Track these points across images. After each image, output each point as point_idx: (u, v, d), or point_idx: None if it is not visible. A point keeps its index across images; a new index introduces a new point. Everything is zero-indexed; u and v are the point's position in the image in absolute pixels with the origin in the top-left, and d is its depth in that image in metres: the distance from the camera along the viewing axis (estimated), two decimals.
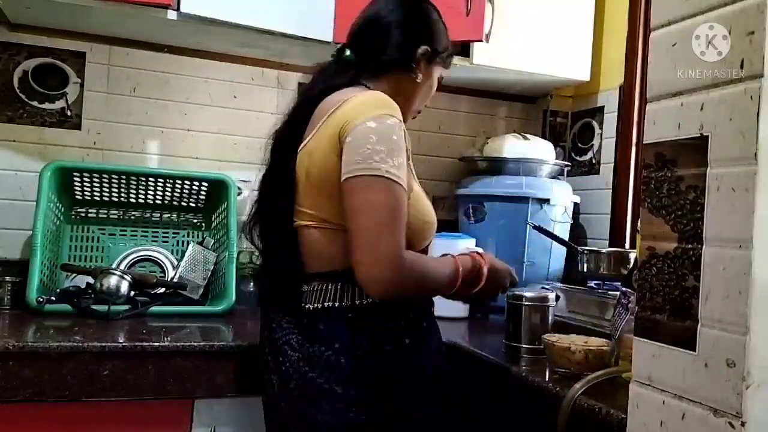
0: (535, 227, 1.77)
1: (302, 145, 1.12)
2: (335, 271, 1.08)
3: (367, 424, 1.03)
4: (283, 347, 1.11)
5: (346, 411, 1.03)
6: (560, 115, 2.22)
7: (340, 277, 1.08)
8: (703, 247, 0.70)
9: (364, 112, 1.04)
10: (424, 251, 1.17)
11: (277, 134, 1.19)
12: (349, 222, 1.01)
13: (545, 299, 1.37)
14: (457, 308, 1.78)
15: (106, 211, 1.80)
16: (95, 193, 1.75)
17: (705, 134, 0.70)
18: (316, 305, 1.09)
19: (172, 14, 1.57)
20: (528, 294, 1.38)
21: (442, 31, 1.24)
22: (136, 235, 1.82)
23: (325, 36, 1.70)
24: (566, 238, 1.88)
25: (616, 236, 1.95)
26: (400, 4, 1.20)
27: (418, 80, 1.20)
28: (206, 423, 1.30)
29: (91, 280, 1.56)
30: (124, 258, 1.77)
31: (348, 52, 1.18)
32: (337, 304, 1.07)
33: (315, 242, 1.11)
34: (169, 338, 1.30)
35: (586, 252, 1.70)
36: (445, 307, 1.76)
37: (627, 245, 1.90)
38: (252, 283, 1.82)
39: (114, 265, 1.71)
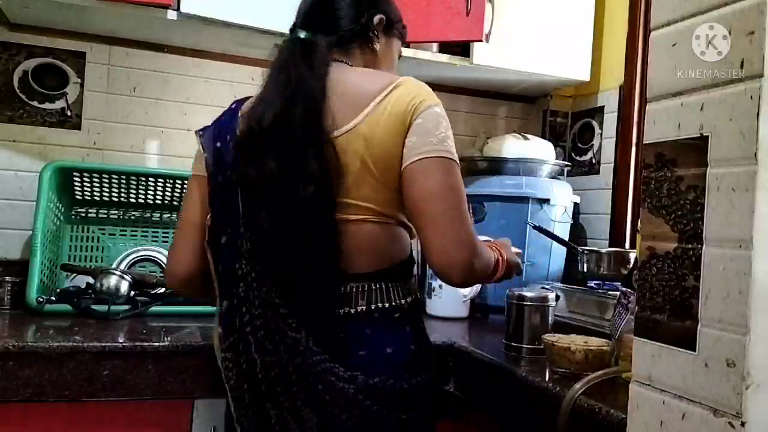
0: (535, 227, 1.77)
1: (344, 129, 1.00)
2: (381, 270, 1.03)
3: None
4: (325, 376, 0.97)
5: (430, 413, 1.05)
6: (560, 115, 2.22)
7: (383, 277, 1.03)
8: (703, 247, 0.70)
9: (428, 95, 1.03)
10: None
11: (278, 119, 1.02)
12: (426, 205, 0.98)
13: (545, 299, 1.37)
14: (457, 308, 1.79)
15: (106, 211, 1.80)
16: (95, 193, 1.75)
17: (705, 134, 0.70)
18: (358, 308, 1.01)
19: (172, 14, 1.57)
20: (528, 294, 1.38)
21: (390, 1, 1.20)
22: (136, 235, 1.82)
23: None
24: (566, 238, 1.88)
25: (616, 236, 1.95)
26: None
27: (376, 48, 1.16)
28: (206, 423, 1.30)
29: (91, 280, 1.56)
30: (124, 258, 1.77)
31: (303, 33, 1.11)
32: (381, 305, 1.02)
33: (370, 238, 1.02)
34: (169, 338, 1.30)
35: (586, 252, 1.70)
36: (445, 307, 1.77)
37: (627, 245, 1.90)
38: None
39: (114, 265, 1.71)
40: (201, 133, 1.13)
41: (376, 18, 1.15)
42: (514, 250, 1.22)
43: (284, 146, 1.00)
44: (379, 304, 1.02)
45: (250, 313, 0.99)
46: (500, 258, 1.13)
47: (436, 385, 1.07)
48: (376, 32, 1.15)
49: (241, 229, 1.01)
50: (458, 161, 1.02)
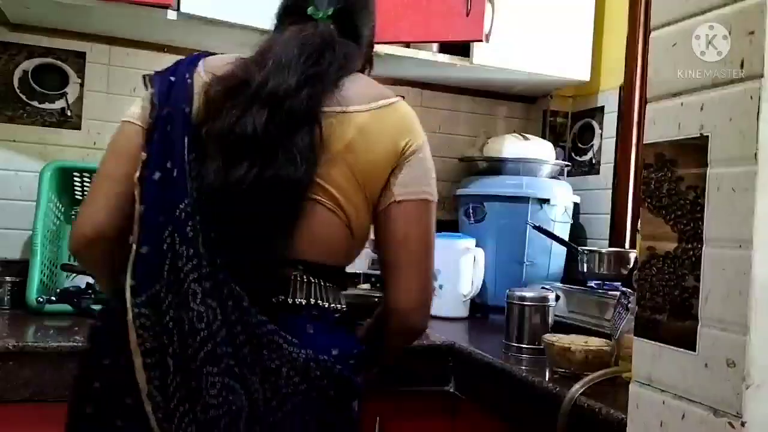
0: (535, 227, 1.77)
1: (336, 108, 0.96)
2: (325, 265, 0.97)
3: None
4: (273, 337, 0.88)
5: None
6: (560, 115, 2.22)
7: (326, 274, 0.97)
8: (703, 247, 0.70)
9: (419, 130, 1.03)
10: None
11: (286, 84, 0.93)
12: (408, 244, 0.99)
13: (545, 299, 1.37)
14: (457, 308, 1.79)
15: None
16: None
17: (705, 134, 0.70)
18: (303, 300, 0.94)
19: (172, 14, 1.57)
20: (528, 294, 1.38)
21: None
22: None
23: None
24: (566, 238, 1.88)
25: (616, 236, 1.95)
26: None
27: (372, 70, 1.15)
28: None
29: (91, 280, 1.56)
30: None
31: (331, 26, 1.02)
32: (325, 304, 0.97)
33: (317, 223, 0.95)
34: None
35: (586, 252, 1.70)
36: (445, 307, 1.77)
37: (627, 245, 1.90)
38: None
39: None
40: (153, 74, 1.02)
41: (369, 31, 1.12)
42: None
43: (280, 113, 0.91)
44: (319, 302, 0.96)
45: (190, 260, 0.86)
46: None
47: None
48: (373, 46, 1.14)
49: (187, 167, 0.90)
50: (435, 199, 1.03)
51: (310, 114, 0.93)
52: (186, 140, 0.91)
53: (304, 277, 0.95)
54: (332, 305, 0.98)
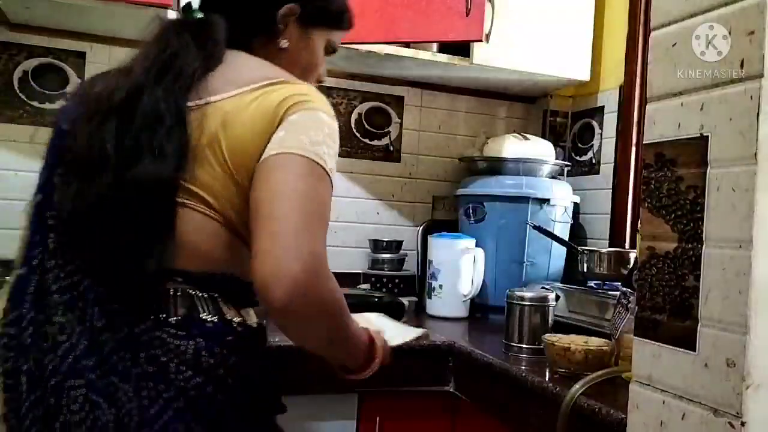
0: (535, 227, 1.77)
1: (202, 101, 0.86)
2: (206, 273, 0.85)
3: None
4: (152, 335, 0.80)
5: None
6: (560, 115, 2.22)
7: (210, 284, 0.85)
8: (703, 247, 0.70)
9: (316, 100, 0.88)
10: None
11: (141, 81, 0.87)
12: (263, 205, 0.80)
13: (545, 299, 1.37)
14: (457, 308, 1.79)
15: None
16: None
17: (705, 134, 0.70)
18: (179, 316, 0.82)
19: (172, 14, 1.57)
20: (528, 294, 1.38)
21: None
22: None
23: None
24: (566, 238, 1.88)
25: (616, 236, 1.95)
26: None
27: (283, 45, 0.99)
28: None
29: None
30: None
31: (200, 14, 0.97)
32: (209, 318, 0.83)
33: (191, 231, 0.84)
34: None
35: (586, 252, 1.70)
36: (445, 307, 1.77)
37: (627, 245, 1.90)
38: None
39: None
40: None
41: (284, 9, 0.98)
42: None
43: (132, 119, 0.83)
44: (207, 316, 0.83)
45: (51, 272, 0.84)
46: (375, 359, 0.98)
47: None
48: (282, 25, 0.99)
49: (56, 179, 0.87)
50: (330, 174, 0.85)
51: (169, 111, 0.83)
52: (54, 155, 0.89)
53: (186, 290, 0.83)
54: (222, 320, 0.83)
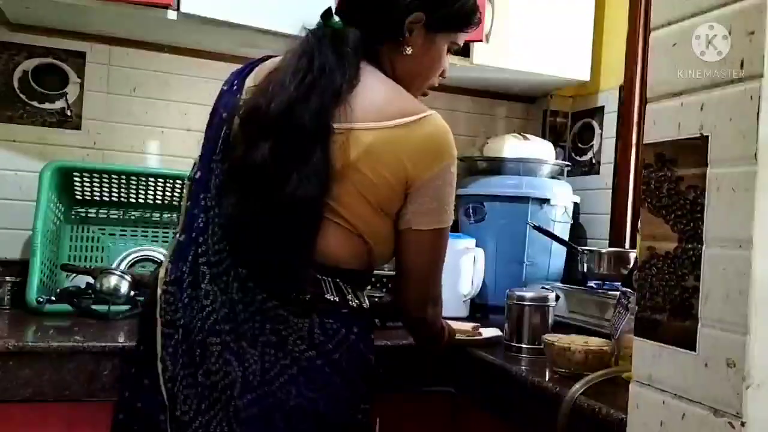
0: (535, 227, 1.77)
1: (346, 126, 0.97)
2: (338, 268, 1.01)
3: (362, 426, 1.02)
4: (278, 312, 0.95)
5: (355, 408, 1.00)
6: (560, 115, 2.22)
7: (340, 275, 1.01)
8: (703, 247, 0.70)
9: (446, 150, 1.03)
10: None
11: (283, 105, 0.96)
12: (407, 265, 1.08)
13: (545, 299, 1.37)
14: (457, 308, 1.79)
15: (106, 211, 1.80)
16: (95, 193, 1.75)
17: (705, 134, 0.70)
18: (310, 296, 0.98)
19: (172, 14, 1.57)
20: (528, 294, 1.38)
21: None
22: (136, 235, 1.82)
23: None
24: (566, 238, 1.88)
25: (616, 236, 1.95)
26: None
27: (408, 52, 1.06)
28: None
29: (91, 280, 1.56)
30: (124, 258, 1.76)
31: (337, 19, 1.05)
32: (333, 298, 0.99)
33: (329, 236, 1.00)
34: None
35: (586, 252, 1.70)
36: (445, 307, 1.76)
37: (627, 245, 1.90)
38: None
39: (114, 265, 1.71)
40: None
41: (412, 17, 1.05)
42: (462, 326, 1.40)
43: (287, 136, 0.95)
44: (333, 297, 1.00)
45: (208, 247, 0.98)
46: (447, 335, 1.27)
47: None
48: (409, 33, 1.06)
49: (215, 167, 1.01)
50: (451, 221, 1.08)
51: (317, 134, 0.95)
52: (218, 143, 1.03)
53: (316, 276, 0.99)
54: (343, 300, 1.01)
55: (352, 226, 1.00)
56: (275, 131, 0.95)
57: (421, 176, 1.00)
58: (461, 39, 1.14)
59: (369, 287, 1.20)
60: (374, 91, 1.01)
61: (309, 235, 0.98)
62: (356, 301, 1.04)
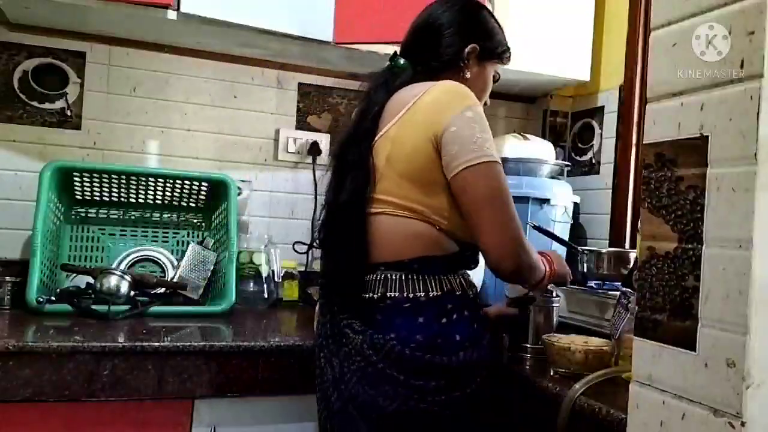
0: (535, 227, 1.76)
1: (378, 136, 1.14)
2: (401, 261, 1.10)
3: (427, 412, 1.05)
4: (345, 330, 1.12)
5: (408, 398, 1.05)
6: (560, 115, 2.22)
7: (404, 268, 1.10)
8: (703, 247, 0.70)
9: (456, 101, 1.10)
10: None
11: (341, 143, 1.22)
12: (477, 210, 1.07)
13: (550, 300, 1.37)
14: None
15: (106, 211, 1.80)
16: (95, 193, 1.75)
17: (705, 134, 0.70)
18: (375, 294, 1.11)
19: (172, 14, 1.57)
20: (532, 294, 1.38)
21: (494, 28, 1.29)
22: (136, 235, 1.82)
23: (325, 36, 1.70)
24: (566, 238, 1.88)
25: (616, 236, 1.95)
26: (449, 8, 1.25)
27: (467, 76, 1.24)
28: (206, 423, 1.30)
29: (91, 280, 1.56)
30: (124, 258, 1.77)
31: (402, 61, 1.23)
32: (396, 294, 1.09)
33: (385, 230, 1.12)
34: (169, 338, 1.30)
35: (586, 252, 1.70)
36: None
37: (627, 245, 1.90)
38: (255, 282, 1.82)
39: (114, 265, 1.71)
40: None
41: (469, 48, 1.23)
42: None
43: (338, 167, 1.19)
44: (393, 293, 1.10)
45: (321, 282, 1.23)
46: (548, 268, 1.22)
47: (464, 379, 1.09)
48: (467, 61, 1.24)
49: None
50: (497, 161, 1.09)
51: (358, 153, 1.15)
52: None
53: (385, 275, 1.11)
54: (407, 295, 1.09)
55: (406, 210, 1.11)
56: (337, 162, 1.20)
57: (439, 130, 1.08)
58: (500, 69, 1.35)
59: (469, 268, 1.19)
60: (400, 94, 1.16)
61: (359, 233, 1.13)
62: (434, 290, 1.10)
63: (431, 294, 1.10)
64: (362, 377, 1.08)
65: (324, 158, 1.99)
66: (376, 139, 1.14)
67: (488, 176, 1.08)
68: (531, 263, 1.13)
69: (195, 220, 1.88)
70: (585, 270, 1.69)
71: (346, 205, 1.14)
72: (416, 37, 1.26)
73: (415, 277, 1.10)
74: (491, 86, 1.35)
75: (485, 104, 1.33)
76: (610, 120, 2.02)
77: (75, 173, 1.68)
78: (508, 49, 1.33)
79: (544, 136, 2.13)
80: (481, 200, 1.07)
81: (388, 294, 1.10)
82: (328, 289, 1.20)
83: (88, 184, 1.71)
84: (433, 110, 1.09)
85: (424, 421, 1.05)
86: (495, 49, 1.28)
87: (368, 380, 1.07)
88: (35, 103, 1.77)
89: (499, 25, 1.31)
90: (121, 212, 1.81)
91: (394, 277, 1.10)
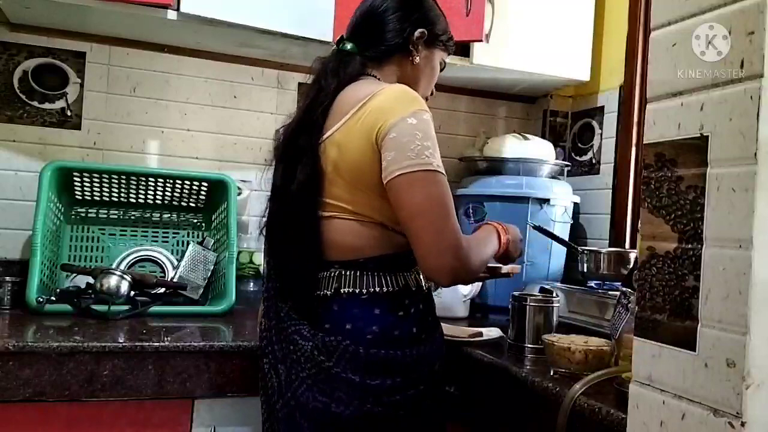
0: (535, 227, 1.77)
1: (325, 136, 1.11)
2: (356, 260, 1.10)
3: (383, 414, 1.04)
4: (293, 336, 1.11)
5: (363, 402, 1.04)
6: (560, 115, 2.22)
7: (359, 267, 1.10)
8: (703, 247, 0.70)
9: (400, 107, 1.06)
10: None
11: (289, 130, 1.17)
12: (410, 219, 1.04)
13: (549, 300, 1.37)
14: (458, 308, 1.79)
15: (106, 211, 1.80)
16: (95, 193, 1.75)
17: (705, 134, 0.70)
18: (329, 291, 1.10)
19: (172, 14, 1.57)
20: (532, 294, 1.38)
21: (438, 15, 1.27)
22: (136, 235, 1.82)
23: (324, 36, 1.70)
24: (566, 238, 1.88)
25: (616, 236, 1.95)
26: None
27: (416, 61, 1.22)
28: (206, 423, 1.30)
29: (91, 280, 1.56)
30: (124, 258, 1.77)
31: (349, 45, 1.20)
32: (351, 290, 1.09)
33: (337, 233, 1.10)
34: (169, 338, 1.30)
35: (586, 252, 1.70)
36: (445, 307, 1.77)
37: (627, 245, 1.90)
38: (255, 282, 1.82)
39: (114, 265, 1.71)
40: None
41: (417, 32, 1.21)
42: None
43: (287, 155, 1.14)
44: (348, 289, 1.09)
45: (267, 285, 1.19)
46: (501, 238, 1.22)
47: (414, 369, 1.09)
48: (416, 46, 1.22)
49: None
50: (439, 169, 1.05)
51: (304, 150, 1.12)
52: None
53: (340, 272, 1.10)
54: (364, 290, 1.09)
55: (361, 216, 1.09)
56: (282, 159, 1.16)
57: (380, 136, 1.05)
58: (446, 59, 1.32)
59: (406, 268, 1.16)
60: (345, 95, 1.13)
61: (311, 232, 1.10)
62: (389, 286, 1.10)
63: (386, 289, 1.09)
64: (313, 384, 1.06)
65: None
66: (323, 137, 1.11)
67: (424, 185, 1.03)
68: (471, 266, 1.08)
69: (195, 220, 1.88)
70: (585, 270, 1.69)
71: (296, 199, 1.11)
72: (361, 21, 1.23)
73: (370, 274, 1.10)
74: (438, 74, 1.32)
75: (432, 93, 1.32)
76: (610, 120, 2.02)
77: (75, 173, 1.68)
78: (452, 38, 1.30)
79: (544, 136, 2.13)
80: (416, 209, 1.03)
81: (342, 290, 1.09)
82: (275, 291, 1.16)
83: (88, 184, 1.71)
84: (376, 117, 1.06)
85: (379, 425, 1.05)
86: (441, 35, 1.26)
87: (320, 387, 1.06)
88: (35, 103, 1.77)
89: (443, 13, 1.28)
90: (121, 212, 1.81)
91: (348, 274, 1.10)
